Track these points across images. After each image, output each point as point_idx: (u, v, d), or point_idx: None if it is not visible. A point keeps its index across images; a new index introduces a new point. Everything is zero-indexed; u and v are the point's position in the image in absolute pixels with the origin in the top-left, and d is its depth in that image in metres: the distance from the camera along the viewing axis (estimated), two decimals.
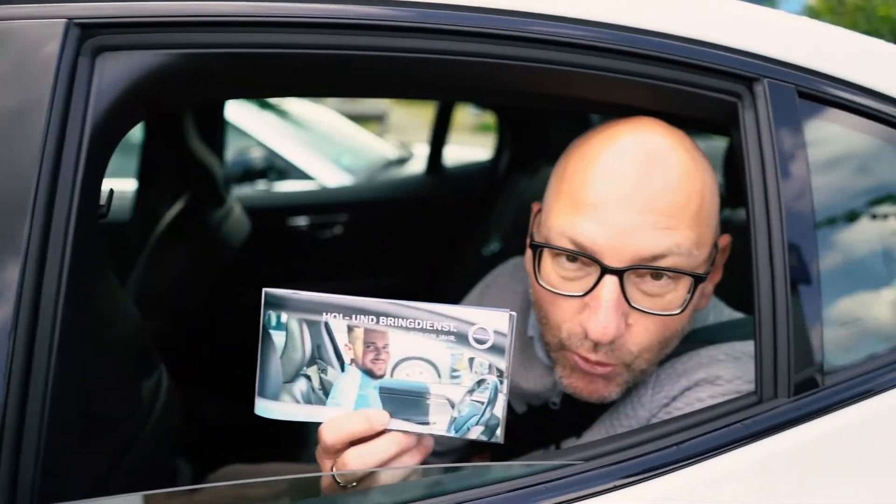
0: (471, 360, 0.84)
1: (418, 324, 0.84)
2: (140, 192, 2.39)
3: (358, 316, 0.85)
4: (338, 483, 0.86)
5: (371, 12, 0.90)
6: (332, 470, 0.87)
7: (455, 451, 1.32)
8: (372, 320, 0.85)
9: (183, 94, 0.92)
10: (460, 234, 2.98)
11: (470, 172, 3.49)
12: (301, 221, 3.09)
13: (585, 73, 0.97)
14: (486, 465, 0.88)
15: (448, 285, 2.86)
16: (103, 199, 0.89)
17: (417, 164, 4.10)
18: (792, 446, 0.88)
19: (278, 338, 0.87)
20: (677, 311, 0.97)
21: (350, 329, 0.86)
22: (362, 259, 3.09)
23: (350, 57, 0.91)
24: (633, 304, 0.96)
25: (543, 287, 1.01)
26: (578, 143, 1.05)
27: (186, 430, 1.93)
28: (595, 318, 0.95)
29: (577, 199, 0.97)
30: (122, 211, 2.56)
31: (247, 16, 0.87)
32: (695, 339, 1.12)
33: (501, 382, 0.84)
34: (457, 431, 0.85)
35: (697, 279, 0.97)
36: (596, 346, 0.98)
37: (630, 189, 0.95)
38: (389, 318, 0.85)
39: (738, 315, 1.17)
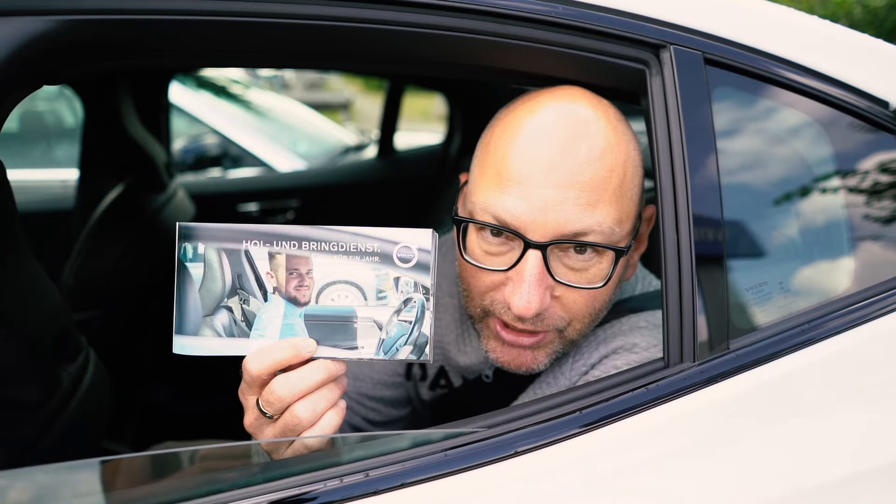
0: (396, 279, 0.83)
1: (341, 247, 0.83)
2: (82, 179, 2.34)
3: (279, 242, 0.83)
4: (264, 414, 0.84)
5: None
6: (257, 404, 0.84)
7: (392, 423, 1.31)
8: (294, 246, 0.83)
9: (73, 63, 0.89)
10: (412, 218, 2.97)
11: (421, 156, 3.47)
12: (251, 207, 3.05)
13: (495, 42, 0.97)
14: (388, 434, 0.87)
15: None
16: None
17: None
18: (696, 409, 0.89)
19: (195, 270, 0.83)
20: (601, 285, 0.97)
21: (271, 256, 0.83)
22: None
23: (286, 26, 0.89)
24: (557, 279, 0.96)
25: (468, 261, 1.00)
26: (502, 114, 1.03)
27: (123, 415, 1.90)
28: (518, 292, 0.94)
29: (500, 173, 0.96)
30: (68, 199, 2.52)
31: None
32: (621, 308, 1.12)
33: (428, 300, 0.83)
34: (385, 353, 0.83)
35: (619, 253, 0.97)
36: (521, 317, 0.97)
37: (552, 162, 0.93)
38: (312, 243, 0.83)
39: None
